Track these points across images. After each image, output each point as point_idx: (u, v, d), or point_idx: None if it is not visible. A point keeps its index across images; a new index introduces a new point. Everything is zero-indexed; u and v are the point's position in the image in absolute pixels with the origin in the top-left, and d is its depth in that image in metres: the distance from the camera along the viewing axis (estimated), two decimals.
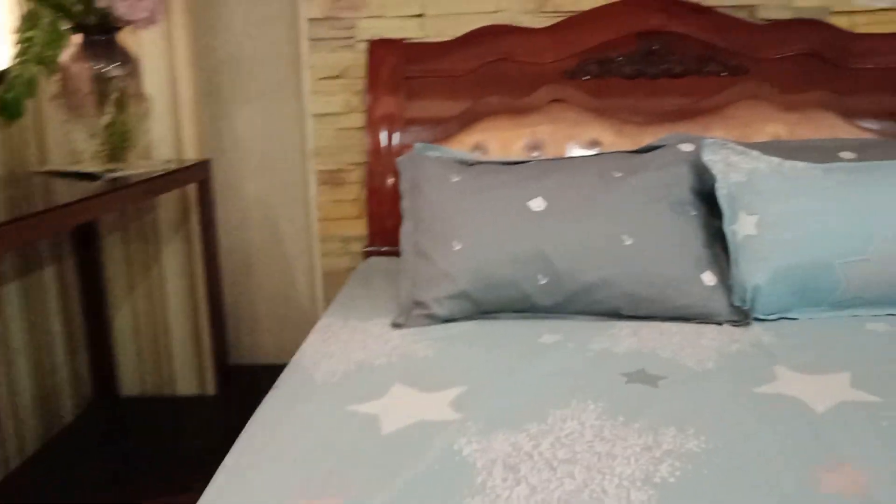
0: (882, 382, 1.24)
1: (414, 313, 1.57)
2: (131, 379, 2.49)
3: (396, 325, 1.56)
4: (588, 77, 2.06)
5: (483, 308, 1.58)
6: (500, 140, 2.02)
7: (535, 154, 2.00)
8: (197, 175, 2.16)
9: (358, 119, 2.25)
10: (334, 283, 2.37)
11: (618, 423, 1.14)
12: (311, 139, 2.29)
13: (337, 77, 2.24)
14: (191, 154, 2.32)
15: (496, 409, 1.19)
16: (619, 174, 1.64)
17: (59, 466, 1.97)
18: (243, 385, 2.58)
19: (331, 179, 2.31)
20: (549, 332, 1.49)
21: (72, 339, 2.30)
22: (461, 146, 2.02)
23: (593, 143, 2.01)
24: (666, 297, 1.54)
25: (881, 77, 2.05)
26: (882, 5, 2.09)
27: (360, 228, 2.32)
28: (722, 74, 2.04)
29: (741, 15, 2.10)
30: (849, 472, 0.99)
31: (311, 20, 2.22)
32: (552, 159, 1.77)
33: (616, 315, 1.56)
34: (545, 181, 1.63)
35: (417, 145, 1.89)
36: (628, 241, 1.55)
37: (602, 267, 1.54)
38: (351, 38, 2.21)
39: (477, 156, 1.92)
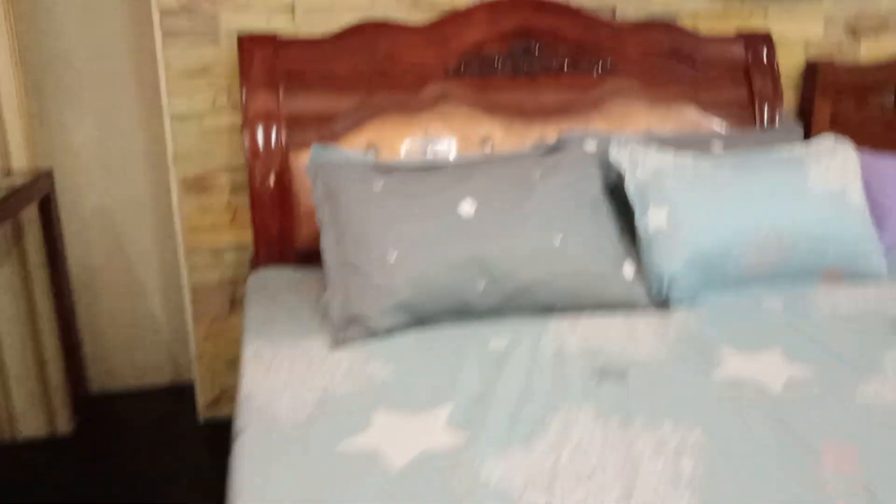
0: (810, 354, 1.41)
1: (351, 329, 1.48)
2: None
3: (336, 344, 1.46)
4: (471, 74, 2.06)
5: (421, 317, 1.53)
6: (393, 139, 1.95)
7: (429, 152, 1.96)
8: (41, 190, 1.85)
9: (224, 119, 2.05)
10: (205, 298, 2.17)
11: (615, 423, 1.17)
12: (171, 143, 2.05)
13: (198, 75, 2.02)
14: (19, 163, 1.99)
15: (495, 424, 1.17)
16: (538, 175, 1.66)
17: None
18: (101, 418, 2.29)
19: (195, 186, 2.09)
20: (494, 337, 1.48)
21: None
22: (353, 146, 1.92)
23: (485, 140, 2.01)
24: (594, 292, 1.60)
25: (724, 73, 2.26)
26: None
27: (231, 237, 2.13)
28: (595, 71, 2.13)
29: (605, 15, 2.21)
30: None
31: (165, 11, 1.97)
32: (470, 161, 1.74)
33: (549, 310, 1.59)
34: (470, 185, 1.60)
35: (314, 147, 1.77)
36: (557, 242, 1.58)
37: (536, 268, 1.56)
38: (212, 31, 2.01)
39: (384, 159, 1.83)
